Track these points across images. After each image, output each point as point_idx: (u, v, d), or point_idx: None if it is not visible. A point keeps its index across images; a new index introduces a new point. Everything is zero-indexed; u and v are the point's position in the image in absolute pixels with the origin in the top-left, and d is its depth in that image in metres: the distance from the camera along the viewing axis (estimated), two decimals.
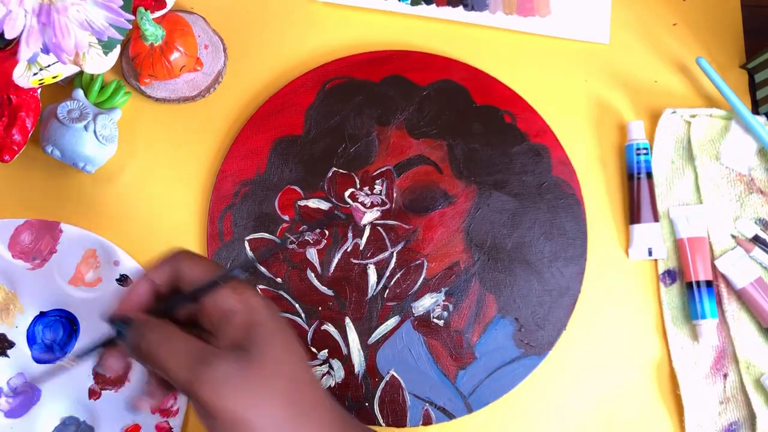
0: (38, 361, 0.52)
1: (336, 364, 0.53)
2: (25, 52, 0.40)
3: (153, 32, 0.51)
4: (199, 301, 0.37)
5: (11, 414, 0.51)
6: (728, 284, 0.55)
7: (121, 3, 0.41)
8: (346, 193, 0.55)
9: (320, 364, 0.53)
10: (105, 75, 0.56)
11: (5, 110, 0.51)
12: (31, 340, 0.52)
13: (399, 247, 0.55)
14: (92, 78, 0.54)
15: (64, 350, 0.52)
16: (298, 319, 0.53)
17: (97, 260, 0.54)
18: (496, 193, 0.56)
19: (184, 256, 0.39)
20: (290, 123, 0.57)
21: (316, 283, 0.54)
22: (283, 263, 0.54)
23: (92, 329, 0.53)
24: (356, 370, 0.52)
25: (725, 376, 0.54)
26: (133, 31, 0.53)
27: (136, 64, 0.54)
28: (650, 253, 0.55)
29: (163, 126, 0.57)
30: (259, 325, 0.36)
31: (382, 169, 0.56)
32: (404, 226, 0.55)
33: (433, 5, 0.59)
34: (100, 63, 0.50)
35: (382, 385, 0.52)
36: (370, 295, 0.54)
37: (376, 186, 0.56)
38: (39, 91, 0.52)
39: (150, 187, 0.56)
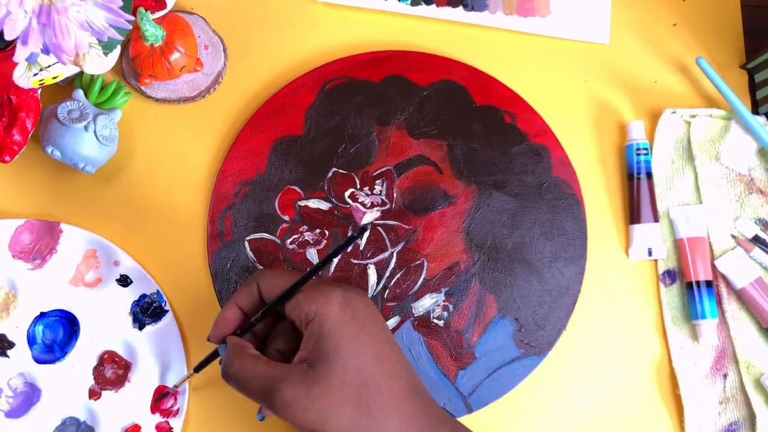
0: (38, 361, 0.52)
1: None
2: (21, 53, 0.40)
3: (153, 33, 0.51)
4: (282, 313, 0.41)
5: (11, 414, 0.51)
6: (728, 284, 0.55)
7: (121, 3, 0.41)
8: (346, 194, 0.55)
9: None
10: (105, 75, 0.56)
11: (5, 110, 0.51)
12: (31, 340, 0.52)
13: (399, 247, 0.55)
14: (92, 78, 0.54)
15: (64, 350, 0.52)
16: None
17: (97, 260, 0.54)
18: (496, 193, 0.56)
19: (261, 274, 0.43)
20: (290, 123, 0.57)
21: None
22: (284, 264, 0.54)
23: (92, 329, 0.53)
24: None
25: (725, 376, 0.54)
26: (133, 31, 0.53)
27: (136, 64, 0.54)
28: (650, 253, 0.55)
29: (163, 126, 0.57)
30: (326, 336, 0.38)
31: (382, 170, 0.56)
32: (404, 226, 0.55)
33: (433, 5, 0.59)
34: (100, 63, 0.50)
35: None
36: (370, 295, 0.54)
37: (376, 186, 0.56)
38: (39, 91, 0.52)
39: (150, 187, 0.56)
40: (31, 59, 0.47)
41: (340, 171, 0.56)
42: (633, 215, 0.56)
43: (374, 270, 0.54)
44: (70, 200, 0.55)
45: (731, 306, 0.54)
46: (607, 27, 0.60)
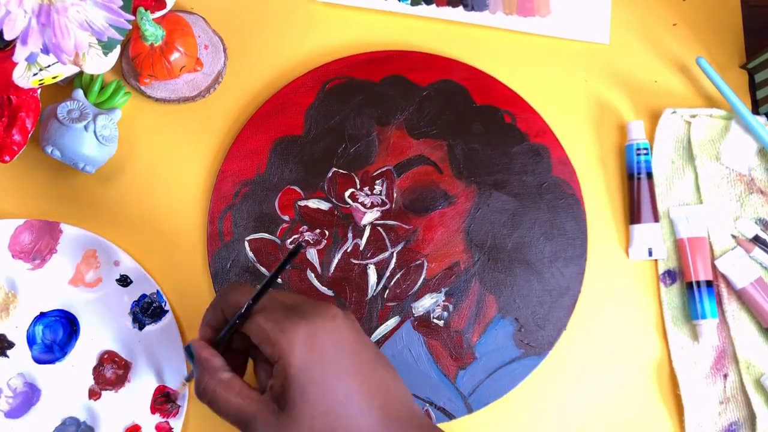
0: (38, 361, 0.52)
1: None
2: (21, 53, 0.40)
3: (153, 32, 0.51)
4: (243, 331, 0.40)
5: (11, 414, 0.51)
6: (728, 284, 0.55)
7: (121, 3, 0.41)
8: (346, 194, 0.55)
9: None
10: (105, 75, 0.56)
11: (5, 110, 0.51)
12: (31, 340, 0.52)
13: (399, 247, 0.55)
14: (92, 78, 0.54)
15: (64, 350, 0.52)
16: None
17: (97, 260, 0.54)
18: (496, 193, 0.56)
19: (224, 290, 0.42)
20: (290, 123, 0.57)
21: (316, 283, 0.54)
22: None
23: (92, 329, 0.53)
24: None
25: (725, 376, 0.54)
26: (133, 31, 0.53)
27: (136, 64, 0.54)
28: (650, 253, 0.55)
29: (163, 126, 0.57)
30: (291, 382, 0.37)
31: (382, 170, 0.56)
32: (404, 226, 0.55)
33: (433, 5, 0.59)
34: (100, 63, 0.50)
35: None
36: (370, 295, 0.54)
37: (376, 186, 0.56)
38: (39, 91, 0.52)
39: (150, 187, 0.56)
40: (30, 59, 0.47)
41: (340, 171, 0.56)
42: (633, 215, 0.56)
43: (374, 270, 0.54)
44: (70, 200, 0.55)
45: (731, 306, 0.54)
46: (607, 27, 0.60)
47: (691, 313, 0.54)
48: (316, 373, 0.37)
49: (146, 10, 0.50)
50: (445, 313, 0.53)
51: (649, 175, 0.56)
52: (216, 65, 0.57)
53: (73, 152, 0.51)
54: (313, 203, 0.55)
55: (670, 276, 0.56)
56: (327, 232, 0.55)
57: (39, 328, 0.53)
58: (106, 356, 0.52)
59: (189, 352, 0.41)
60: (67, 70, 0.50)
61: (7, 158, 0.51)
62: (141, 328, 0.53)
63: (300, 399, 0.37)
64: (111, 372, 0.52)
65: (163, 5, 0.55)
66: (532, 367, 0.53)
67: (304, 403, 0.37)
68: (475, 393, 0.52)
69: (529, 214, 0.55)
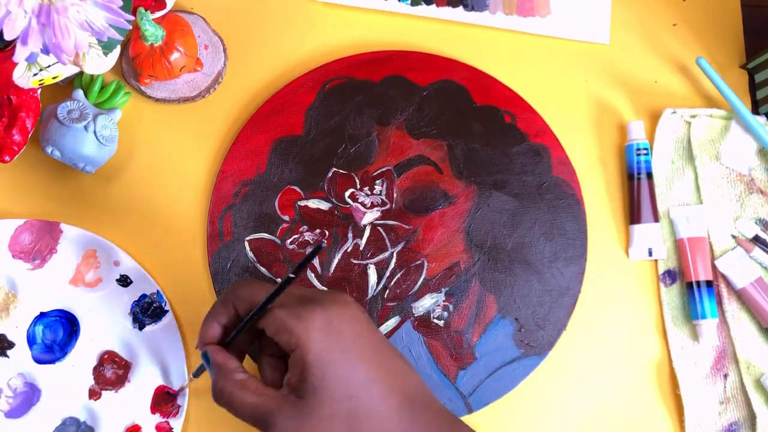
0: (38, 361, 0.52)
1: None
2: (21, 53, 0.40)
3: (153, 32, 0.51)
4: (259, 327, 0.40)
5: (11, 414, 0.51)
6: (728, 284, 0.55)
7: (121, 3, 0.41)
8: (346, 194, 0.55)
9: None
10: (105, 75, 0.56)
11: (5, 110, 0.51)
12: (31, 340, 0.52)
13: (399, 247, 0.55)
14: (92, 78, 0.54)
15: (64, 350, 0.52)
16: None
17: (97, 260, 0.54)
18: (496, 193, 0.56)
19: (236, 285, 0.42)
20: (290, 123, 0.57)
21: (316, 283, 0.54)
22: (284, 264, 0.54)
23: (92, 329, 0.53)
24: None
25: (725, 376, 0.54)
26: (133, 31, 0.53)
27: (136, 64, 0.54)
28: (650, 253, 0.55)
29: (163, 126, 0.57)
30: (310, 367, 0.37)
31: (382, 170, 0.56)
32: (404, 226, 0.55)
33: (433, 5, 0.59)
34: (100, 63, 0.50)
35: None
36: (370, 295, 0.54)
37: (376, 186, 0.56)
38: (39, 91, 0.52)
39: (150, 187, 0.56)
40: (30, 59, 0.47)
41: (340, 171, 0.56)
42: (633, 215, 0.56)
43: (374, 270, 0.54)
44: (70, 200, 0.55)
45: (731, 306, 0.54)
46: (607, 27, 0.60)
47: (691, 313, 0.54)
48: (335, 358, 0.37)
49: (146, 10, 0.50)
50: (445, 313, 0.53)
51: (649, 175, 0.56)
52: (216, 65, 0.57)
53: (73, 152, 0.51)
54: (313, 203, 0.55)
55: (670, 276, 0.56)
56: (327, 232, 0.55)
57: (39, 328, 0.53)
58: (106, 356, 0.52)
59: (205, 357, 0.41)
60: (67, 70, 0.50)
61: (7, 158, 0.51)
62: (141, 328, 0.53)
63: (320, 384, 0.37)
64: (111, 372, 0.52)
65: (163, 5, 0.55)
66: (532, 367, 0.53)
67: (324, 388, 0.37)
68: (475, 393, 0.52)
69: (529, 214, 0.55)
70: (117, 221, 0.55)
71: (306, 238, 0.54)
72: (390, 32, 0.60)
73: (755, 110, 0.59)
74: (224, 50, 0.58)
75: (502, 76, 0.58)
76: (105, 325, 0.53)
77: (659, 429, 0.53)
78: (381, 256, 0.54)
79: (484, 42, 0.60)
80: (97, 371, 0.52)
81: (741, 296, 0.54)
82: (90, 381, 0.52)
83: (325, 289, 0.54)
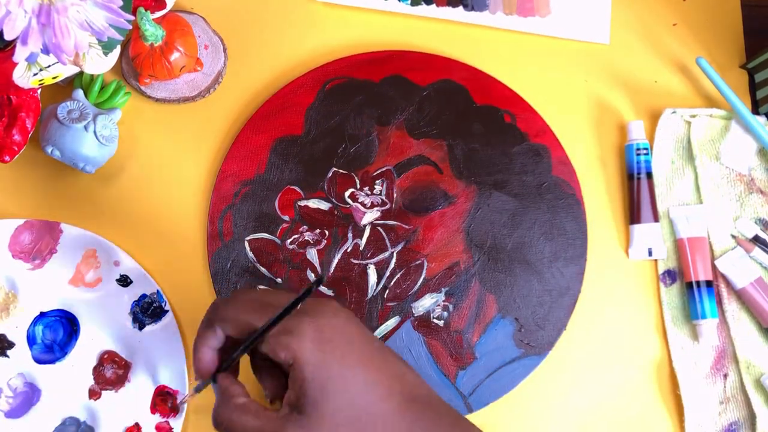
0: (38, 361, 0.52)
1: None
2: (21, 53, 0.40)
3: (153, 32, 0.51)
4: (258, 349, 0.39)
5: (11, 414, 0.51)
6: (728, 284, 0.55)
7: (121, 3, 0.41)
8: (346, 193, 0.55)
9: None
10: (105, 75, 0.56)
11: (5, 110, 0.51)
12: (31, 340, 0.52)
13: (399, 247, 0.55)
14: (92, 78, 0.54)
15: (64, 350, 0.52)
16: None
17: (97, 260, 0.54)
18: (496, 193, 0.56)
19: (217, 306, 0.41)
20: (290, 123, 0.57)
21: None
22: (284, 264, 0.54)
23: (92, 329, 0.53)
24: None
25: (725, 376, 0.54)
26: (133, 31, 0.53)
27: (136, 64, 0.54)
28: (650, 253, 0.55)
29: (163, 126, 0.57)
30: (309, 381, 0.37)
31: (382, 169, 0.56)
32: (404, 226, 0.55)
33: (433, 5, 0.59)
34: (100, 63, 0.50)
35: None
36: (370, 295, 0.54)
37: (376, 186, 0.56)
38: (39, 91, 0.52)
39: (150, 187, 0.56)
40: (30, 59, 0.47)
41: (340, 171, 0.56)
42: (633, 215, 0.56)
43: (374, 270, 0.54)
44: (70, 200, 0.55)
45: (731, 306, 0.54)
46: (607, 27, 0.60)
47: (691, 313, 0.54)
48: (332, 368, 0.37)
49: (146, 10, 0.50)
50: (445, 313, 0.53)
51: (649, 175, 0.56)
52: (216, 65, 0.57)
53: (73, 152, 0.51)
54: (313, 203, 0.55)
55: (670, 276, 0.56)
56: (327, 232, 0.55)
57: (39, 328, 0.53)
58: (106, 356, 0.52)
59: (213, 380, 0.41)
60: (67, 70, 0.50)
61: (7, 158, 0.51)
62: (141, 328, 0.53)
63: (320, 396, 0.37)
64: (111, 372, 0.52)
65: (163, 5, 0.55)
66: (532, 367, 0.53)
67: (325, 400, 0.37)
68: (475, 393, 0.52)
69: (529, 214, 0.55)
70: (117, 221, 0.55)
71: (306, 238, 0.54)
72: (390, 32, 0.60)
73: (755, 110, 0.59)
74: (224, 50, 0.58)
75: (502, 76, 0.58)
76: (105, 325, 0.53)
77: (659, 429, 0.53)
78: (381, 256, 0.54)
79: (484, 42, 0.60)
80: (97, 371, 0.52)
81: (741, 296, 0.54)
82: (90, 381, 0.52)
83: (325, 290, 0.54)
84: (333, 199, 0.55)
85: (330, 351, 0.38)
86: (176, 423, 0.51)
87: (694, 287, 0.54)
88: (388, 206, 0.55)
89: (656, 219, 0.56)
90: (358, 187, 0.56)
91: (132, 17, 0.43)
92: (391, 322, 0.53)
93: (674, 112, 0.58)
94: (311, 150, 0.56)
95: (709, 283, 0.54)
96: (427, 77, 0.58)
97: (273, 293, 0.41)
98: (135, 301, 0.53)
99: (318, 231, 0.55)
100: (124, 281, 0.53)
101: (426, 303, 0.54)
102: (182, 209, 0.56)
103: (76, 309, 0.53)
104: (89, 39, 0.47)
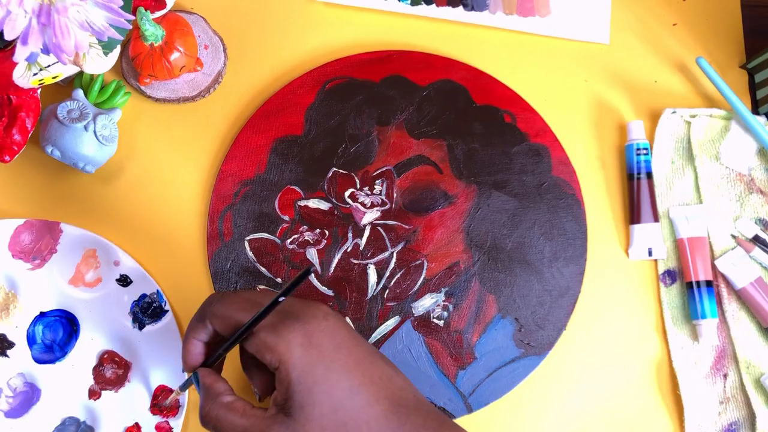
0: (38, 361, 0.52)
1: None
2: (21, 53, 0.40)
3: (153, 32, 0.51)
4: (244, 345, 0.40)
5: (11, 414, 0.51)
6: (728, 284, 0.55)
7: (121, 3, 0.41)
8: (346, 193, 0.55)
9: None
10: (105, 75, 0.56)
11: (5, 110, 0.51)
12: (31, 340, 0.52)
13: (399, 247, 0.55)
14: (92, 78, 0.54)
15: (64, 350, 0.52)
16: None
17: (97, 260, 0.54)
18: (496, 193, 0.56)
19: (210, 301, 0.41)
20: (290, 123, 0.57)
21: (316, 283, 0.54)
22: (283, 263, 0.54)
23: (92, 329, 0.53)
24: None
25: (725, 376, 0.54)
26: (133, 31, 0.53)
27: (136, 64, 0.54)
28: (650, 253, 0.55)
29: (163, 126, 0.57)
30: (295, 385, 0.37)
31: (382, 169, 0.56)
32: (404, 226, 0.55)
33: (433, 5, 0.59)
34: (100, 63, 0.50)
35: None
36: (370, 295, 0.54)
37: (376, 186, 0.56)
38: (39, 91, 0.52)
39: (150, 187, 0.56)
40: (31, 59, 0.47)
41: (340, 171, 0.56)
42: (633, 215, 0.56)
43: (374, 270, 0.54)
44: (70, 200, 0.55)
45: (731, 306, 0.54)
46: (607, 27, 0.60)
47: (691, 313, 0.54)
48: (318, 372, 0.37)
49: (146, 10, 0.50)
50: (445, 313, 0.53)
51: (649, 175, 0.56)
52: (216, 65, 0.57)
53: (73, 152, 0.51)
54: (313, 203, 0.55)
55: (670, 276, 0.56)
56: (327, 232, 0.55)
57: (39, 328, 0.53)
58: (106, 356, 0.52)
59: (196, 377, 0.41)
60: (67, 70, 0.50)
61: (7, 158, 0.51)
62: (141, 328, 0.53)
63: (307, 400, 0.37)
64: (111, 372, 0.52)
65: (163, 5, 0.55)
66: (532, 367, 0.53)
67: (311, 404, 0.37)
68: (475, 393, 0.52)
69: (529, 214, 0.55)
70: (117, 221, 0.55)
71: (306, 237, 0.54)
72: (390, 32, 0.60)
73: (755, 110, 0.59)
74: (224, 50, 0.58)
75: (502, 76, 0.58)
76: (105, 325, 0.53)
77: (659, 429, 0.53)
78: (381, 256, 0.54)
79: (484, 42, 0.60)
80: (97, 371, 0.52)
81: (741, 296, 0.54)
82: (90, 381, 0.52)
83: (325, 290, 0.54)
84: (333, 199, 0.55)
85: (317, 356, 0.38)
86: (176, 423, 0.51)
87: (694, 287, 0.54)
88: (388, 206, 0.55)
89: (656, 219, 0.56)
90: (358, 187, 0.56)
91: (132, 17, 0.43)
92: (391, 322, 0.53)
93: (674, 112, 0.58)
94: (311, 150, 0.56)
95: (709, 283, 0.54)
96: (427, 77, 0.58)
97: (268, 294, 0.41)
98: (135, 301, 0.53)
99: (318, 231, 0.55)
100: (124, 281, 0.53)
101: (426, 303, 0.54)
102: (182, 209, 0.56)
103: (76, 309, 0.53)
104: (89, 39, 0.47)
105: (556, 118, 0.58)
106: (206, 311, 0.41)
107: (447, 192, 0.56)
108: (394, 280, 0.54)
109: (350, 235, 0.55)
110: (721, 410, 0.53)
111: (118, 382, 0.52)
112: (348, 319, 0.53)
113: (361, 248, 0.54)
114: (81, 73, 0.54)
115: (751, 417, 0.53)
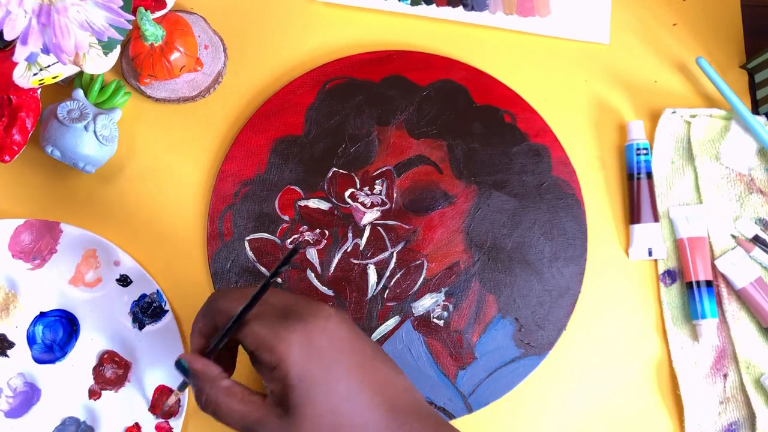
0: (38, 361, 0.52)
1: None
2: (21, 53, 0.40)
3: (153, 32, 0.51)
4: (237, 339, 0.40)
5: (11, 414, 0.51)
6: (728, 284, 0.55)
7: (121, 3, 0.41)
8: (346, 193, 0.55)
9: None
10: (105, 75, 0.56)
11: (5, 110, 0.51)
12: (31, 340, 0.52)
13: (399, 247, 0.55)
14: (92, 78, 0.54)
15: (64, 350, 0.52)
16: None
17: (97, 260, 0.54)
18: (496, 193, 0.56)
19: (214, 296, 0.42)
20: (290, 123, 0.57)
21: (316, 283, 0.54)
22: None
23: (92, 329, 0.53)
24: None
25: (725, 376, 0.54)
26: (133, 31, 0.53)
27: (136, 64, 0.54)
28: (650, 253, 0.55)
29: (163, 126, 0.57)
30: (293, 386, 0.37)
31: (382, 169, 0.56)
32: (404, 226, 0.55)
33: (433, 5, 0.59)
34: (100, 63, 0.50)
35: None
36: (370, 295, 0.54)
37: (376, 186, 0.56)
38: (39, 91, 0.52)
39: (150, 187, 0.56)
40: (30, 59, 0.47)
41: (340, 171, 0.56)
42: (633, 215, 0.56)
43: (374, 270, 0.54)
44: (70, 200, 0.55)
45: (731, 306, 0.54)
46: (607, 27, 0.60)
47: (691, 313, 0.54)
48: (317, 375, 0.37)
49: (146, 10, 0.50)
50: (445, 313, 0.53)
51: (649, 175, 0.56)
52: (216, 65, 0.57)
53: (73, 152, 0.51)
54: (313, 203, 0.55)
55: (670, 276, 0.56)
56: (327, 232, 0.55)
57: (39, 328, 0.53)
58: (106, 356, 0.52)
59: (181, 366, 0.40)
60: (67, 70, 0.50)
61: (7, 158, 0.51)
62: (141, 328, 0.53)
63: (303, 402, 0.37)
64: (111, 372, 0.52)
65: (163, 5, 0.55)
66: (532, 367, 0.53)
67: (307, 406, 0.37)
68: (475, 393, 0.52)
69: (529, 214, 0.55)
70: (117, 221, 0.55)
71: (306, 237, 0.54)
72: (390, 32, 0.60)
73: (755, 110, 0.59)
74: (224, 50, 0.58)
75: (502, 76, 0.58)
76: (105, 324, 0.53)
77: (659, 429, 0.53)
78: (381, 256, 0.54)
79: (484, 42, 0.60)
80: (97, 371, 0.52)
81: (741, 296, 0.54)
82: (90, 381, 0.52)
83: (325, 289, 0.54)
84: (333, 199, 0.55)
85: (316, 359, 0.38)
86: (176, 423, 0.51)
87: (694, 287, 0.54)
88: (388, 206, 0.55)
89: (656, 219, 0.56)
90: (358, 187, 0.56)
91: (132, 17, 0.43)
92: (391, 322, 0.53)
93: (674, 112, 0.58)
94: (311, 150, 0.56)
95: (709, 283, 0.54)
96: (427, 77, 0.58)
97: (273, 292, 0.41)
98: (135, 301, 0.53)
99: (318, 231, 0.55)
100: (124, 281, 0.53)
101: (426, 303, 0.54)
102: (182, 209, 0.56)
103: (76, 309, 0.53)
104: (89, 39, 0.47)
105: (556, 118, 0.58)
106: (209, 307, 0.41)
107: (447, 192, 0.56)
108: (394, 280, 0.54)
109: (350, 235, 0.55)
110: (721, 410, 0.53)
111: (118, 382, 0.52)
112: None
113: (361, 248, 0.54)
114: (81, 73, 0.54)
115: (751, 417, 0.53)
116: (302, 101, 0.57)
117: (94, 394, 0.52)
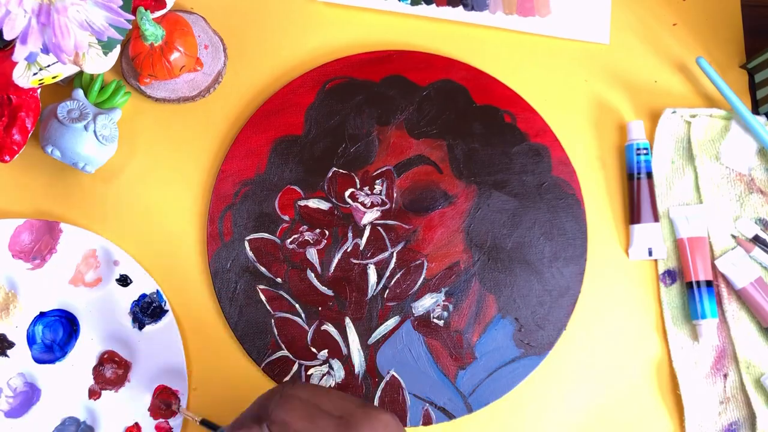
0: (38, 361, 0.52)
1: (336, 364, 0.53)
2: (20, 53, 0.40)
3: (153, 32, 0.51)
4: None
5: (11, 414, 0.51)
6: (728, 284, 0.55)
7: (121, 3, 0.41)
8: (346, 193, 0.55)
9: (320, 365, 0.53)
10: (105, 75, 0.56)
11: (5, 110, 0.51)
12: (31, 340, 0.52)
13: (399, 247, 0.55)
14: (92, 78, 0.54)
15: (64, 350, 0.52)
16: (298, 320, 0.53)
17: (97, 260, 0.54)
18: (496, 193, 0.56)
19: (271, 400, 0.38)
20: (290, 123, 0.57)
21: (316, 283, 0.54)
22: (284, 263, 0.54)
23: (92, 329, 0.53)
24: (356, 371, 0.52)
25: (725, 376, 0.54)
26: (133, 31, 0.53)
27: (136, 64, 0.54)
28: (650, 253, 0.55)
29: (163, 126, 0.57)
30: None
31: (382, 169, 0.56)
32: (404, 226, 0.55)
33: (433, 5, 0.59)
34: (100, 63, 0.50)
35: (382, 385, 0.52)
36: (370, 295, 0.54)
37: (376, 186, 0.56)
38: (39, 91, 0.52)
39: (150, 187, 0.56)
40: (30, 59, 0.47)
41: (340, 171, 0.56)
42: (633, 215, 0.56)
43: (374, 270, 0.54)
44: (70, 200, 0.55)
45: (731, 306, 0.54)
46: (607, 27, 0.60)
47: (691, 313, 0.54)
48: None
49: (146, 9, 0.50)
50: (445, 313, 0.53)
51: (649, 175, 0.56)
52: (216, 65, 0.57)
53: (73, 152, 0.51)
54: (313, 203, 0.55)
55: (670, 276, 0.56)
56: (327, 232, 0.55)
57: (39, 328, 0.53)
58: (106, 356, 0.52)
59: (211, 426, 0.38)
60: (67, 70, 0.50)
61: (7, 158, 0.51)
62: (141, 328, 0.53)
63: None
64: (111, 372, 0.52)
65: (163, 5, 0.55)
66: (532, 367, 0.53)
67: None
68: (475, 393, 0.52)
69: (529, 214, 0.55)
70: (117, 221, 0.55)
71: (306, 237, 0.54)
72: (390, 32, 0.60)
73: (755, 110, 0.59)
74: (224, 50, 0.57)
75: (502, 76, 0.58)
76: (105, 324, 0.53)
77: (659, 429, 0.53)
78: (381, 256, 0.54)
79: (484, 42, 0.60)
80: (97, 371, 0.52)
81: (741, 296, 0.54)
82: (90, 381, 0.52)
83: (325, 289, 0.54)
84: (333, 199, 0.55)
85: None
86: (176, 423, 0.51)
87: (694, 287, 0.54)
88: (388, 206, 0.55)
89: (656, 219, 0.56)
90: (358, 186, 0.56)
91: (132, 17, 0.43)
92: (391, 322, 0.53)
93: (674, 112, 0.58)
94: (311, 150, 0.56)
95: (709, 283, 0.54)
96: (427, 77, 0.58)
97: (333, 397, 0.39)
98: (135, 301, 0.53)
99: (318, 231, 0.55)
100: (124, 281, 0.53)
101: (426, 303, 0.54)
102: (182, 209, 0.56)
103: (76, 309, 0.53)
104: (89, 39, 0.47)
105: (556, 118, 0.58)
106: (265, 413, 0.38)
107: (447, 192, 0.56)
108: (394, 280, 0.54)
109: (350, 235, 0.55)
110: (721, 410, 0.53)
111: (118, 382, 0.52)
112: (348, 320, 0.53)
113: (361, 248, 0.54)
114: (81, 73, 0.54)
115: (751, 417, 0.53)
116: (302, 101, 0.57)
117: (94, 394, 0.52)
